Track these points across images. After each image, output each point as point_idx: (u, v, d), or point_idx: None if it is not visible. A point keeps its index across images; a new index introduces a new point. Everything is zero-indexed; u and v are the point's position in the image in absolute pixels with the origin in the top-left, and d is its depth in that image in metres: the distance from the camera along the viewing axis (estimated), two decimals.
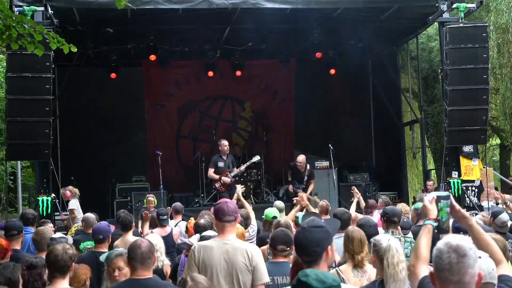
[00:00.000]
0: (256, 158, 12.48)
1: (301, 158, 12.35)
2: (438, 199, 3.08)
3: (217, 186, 12.17)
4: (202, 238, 4.90)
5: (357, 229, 4.66)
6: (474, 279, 2.29)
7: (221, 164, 12.14)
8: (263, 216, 7.23)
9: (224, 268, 4.09)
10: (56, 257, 4.07)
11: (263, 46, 13.74)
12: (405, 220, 5.91)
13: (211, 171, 12.18)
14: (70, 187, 11.32)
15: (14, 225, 6.20)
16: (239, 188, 7.99)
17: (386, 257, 3.59)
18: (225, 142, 12.25)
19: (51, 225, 8.14)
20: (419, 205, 6.91)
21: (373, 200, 9.04)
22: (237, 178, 12.20)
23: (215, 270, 4.07)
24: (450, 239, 2.34)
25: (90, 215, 8.21)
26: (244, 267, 4.11)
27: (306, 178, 12.29)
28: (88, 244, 7.14)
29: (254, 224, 6.96)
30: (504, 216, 6.28)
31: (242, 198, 7.81)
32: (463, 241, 2.33)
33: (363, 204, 9.27)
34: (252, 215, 7.07)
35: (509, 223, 6.42)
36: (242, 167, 12.33)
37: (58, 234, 6.54)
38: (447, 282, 2.29)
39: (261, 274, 4.15)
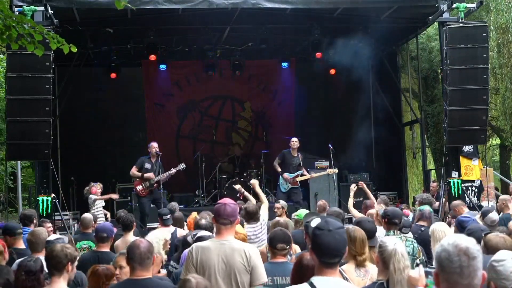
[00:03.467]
0: (181, 166, 11.86)
1: (295, 138, 12.12)
2: (426, 274, 3.21)
3: (138, 189, 11.42)
4: (198, 239, 4.88)
5: (358, 229, 4.63)
6: (480, 280, 2.29)
7: (148, 165, 11.37)
8: (294, 216, 7.21)
9: (222, 269, 4.08)
10: (51, 253, 4.09)
11: (263, 46, 13.74)
12: (405, 218, 5.93)
13: (134, 169, 11.39)
14: (100, 186, 11.52)
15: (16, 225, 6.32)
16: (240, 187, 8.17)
17: (392, 261, 3.57)
18: (154, 144, 11.51)
19: (50, 225, 8.12)
20: (425, 207, 7.03)
21: (371, 200, 9.03)
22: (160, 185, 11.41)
23: (213, 271, 4.06)
24: (456, 239, 2.30)
25: (87, 215, 8.18)
26: (242, 268, 4.10)
27: (300, 162, 12.06)
28: (84, 244, 7.14)
29: (265, 219, 6.94)
30: (493, 215, 6.60)
31: (246, 194, 8.06)
32: (470, 242, 2.30)
33: (371, 197, 9.26)
34: (264, 208, 7.10)
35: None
36: (166, 174, 11.50)
37: (54, 236, 6.54)
38: (456, 285, 2.26)
39: (260, 274, 4.14)
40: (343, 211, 7.33)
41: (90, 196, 11.42)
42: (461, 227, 5.38)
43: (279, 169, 12.14)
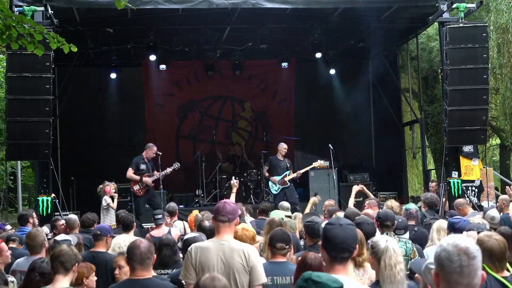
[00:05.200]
0: (176, 165, 12.07)
1: (284, 144, 12.70)
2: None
3: (135, 189, 11.63)
4: (186, 241, 4.87)
5: (357, 230, 4.64)
6: (480, 280, 2.30)
7: (143, 166, 11.64)
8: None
9: (221, 269, 4.07)
10: (60, 251, 4.11)
11: (263, 46, 13.74)
12: (399, 220, 5.90)
13: (131, 172, 11.62)
14: (115, 185, 11.23)
15: None
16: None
17: (383, 258, 3.56)
18: (155, 149, 11.73)
19: (63, 222, 8.04)
20: (409, 205, 7.01)
21: (374, 200, 9.01)
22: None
23: (212, 271, 4.05)
24: (456, 240, 2.31)
25: (73, 216, 8.07)
26: (242, 268, 4.09)
27: (288, 165, 12.55)
28: None
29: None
30: (492, 212, 6.75)
31: None
32: (469, 242, 2.31)
33: (370, 195, 9.24)
34: None
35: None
36: (162, 173, 11.74)
37: (62, 236, 6.53)
38: (456, 285, 2.27)
39: (259, 275, 4.13)
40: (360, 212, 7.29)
41: (105, 198, 10.86)
42: (452, 229, 5.31)
43: (267, 174, 12.74)
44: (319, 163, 12.66)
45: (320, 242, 4.94)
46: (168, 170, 11.91)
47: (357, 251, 3.07)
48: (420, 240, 6.25)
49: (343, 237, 2.95)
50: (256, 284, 4.11)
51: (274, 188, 12.58)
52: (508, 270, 3.92)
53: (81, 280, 4.48)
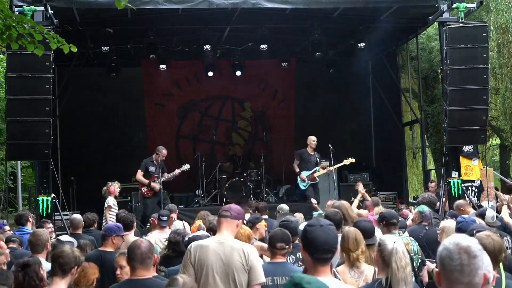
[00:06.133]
0: (186, 166, 12.08)
1: (314, 137, 12.43)
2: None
3: (143, 190, 11.66)
4: (190, 239, 4.87)
5: (353, 229, 4.66)
6: (482, 280, 2.30)
7: (152, 168, 11.65)
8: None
9: (220, 267, 4.08)
10: (60, 253, 4.08)
11: (263, 46, 13.73)
12: (401, 219, 5.94)
13: (140, 174, 11.66)
14: (118, 184, 11.06)
15: None
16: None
17: (394, 260, 3.57)
18: (164, 152, 11.70)
19: (51, 225, 8.08)
20: (423, 208, 7.00)
21: (369, 201, 9.04)
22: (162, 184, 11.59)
23: (211, 269, 4.07)
24: (458, 239, 2.32)
25: (77, 216, 8.03)
26: (241, 267, 4.10)
27: (317, 159, 12.46)
28: None
29: None
30: (489, 213, 6.65)
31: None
32: (471, 241, 2.32)
33: (369, 200, 9.28)
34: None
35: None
36: (170, 175, 11.78)
37: (66, 237, 6.51)
38: (457, 283, 2.27)
39: (258, 274, 4.13)
40: (340, 212, 7.32)
41: (108, 199, 10.64)
42: (461, 230, 5.36)
43: (297, 170, 12.45)
44: (349, 160, 12.57)
45: (297, 241, 4.99)
46: (177, 171, 11.92)
47: (338, 251, 3.08)
48: (430, 240, 6.30)
49: (324, 238, 2.95)
50: (255, 284, 4.11)
51: (303, 184, 12.39)
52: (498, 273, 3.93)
53: (92, 281, 4.43)
